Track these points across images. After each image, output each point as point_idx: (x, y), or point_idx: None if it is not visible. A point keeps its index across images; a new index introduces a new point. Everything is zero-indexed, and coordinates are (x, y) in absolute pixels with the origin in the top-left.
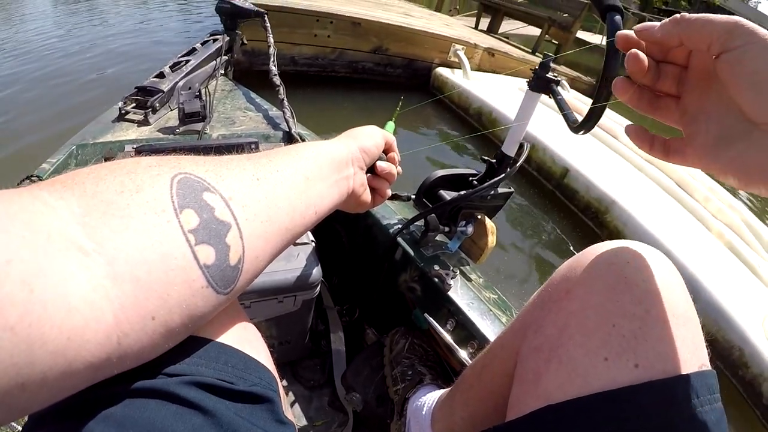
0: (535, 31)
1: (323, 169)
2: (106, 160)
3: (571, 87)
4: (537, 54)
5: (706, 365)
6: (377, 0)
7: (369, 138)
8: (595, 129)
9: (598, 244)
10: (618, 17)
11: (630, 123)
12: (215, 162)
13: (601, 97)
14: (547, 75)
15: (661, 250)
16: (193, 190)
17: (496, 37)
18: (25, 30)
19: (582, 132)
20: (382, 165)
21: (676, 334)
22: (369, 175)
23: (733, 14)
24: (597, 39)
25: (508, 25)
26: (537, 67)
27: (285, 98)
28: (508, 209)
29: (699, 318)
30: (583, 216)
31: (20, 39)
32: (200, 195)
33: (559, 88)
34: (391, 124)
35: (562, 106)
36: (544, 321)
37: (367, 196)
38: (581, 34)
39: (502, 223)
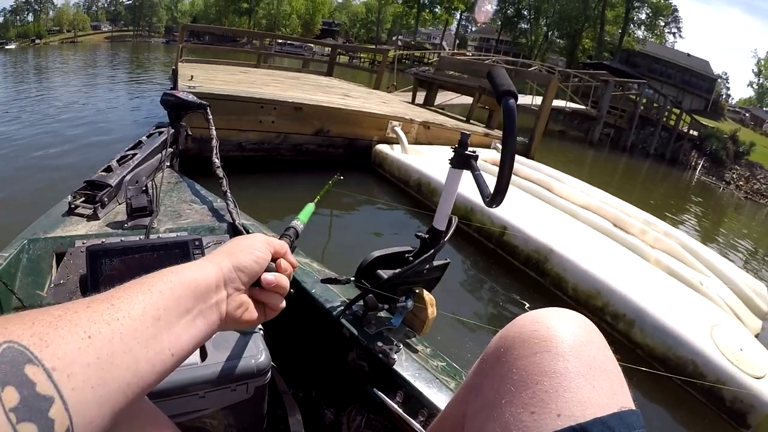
0: (469, 100)
1: (182, 301)
2: (57, 255)
3: None
4: (471, 121)
5: (627, 406)
6: (318, 83)
7: (247, 253)
8: (529, 184)
9: (525, 313)
10: (512, 101)
11: None
12: (45, 321)
13: (503, 174)
14: (466, 152)
15: (601, 287)
16: (15, 364)
17: (432, 110)
18: None
19: (494, 206)
20: (268, 278)
21: (593, 384)
22: (257, 288)
23: (654, 58)
24: (528, 99)
25: (444, 97)
26: (456, 146)
27: (228, 190)
28: (456, 273)
29: (651, 342)
30: (525, 268)
31: None
32: (22, 369)
33: (479, 162)
34: (311, 206)
35: (479, 182)
36: (482, 386)
37: (249, 315)
38: None
39: (453, 287)
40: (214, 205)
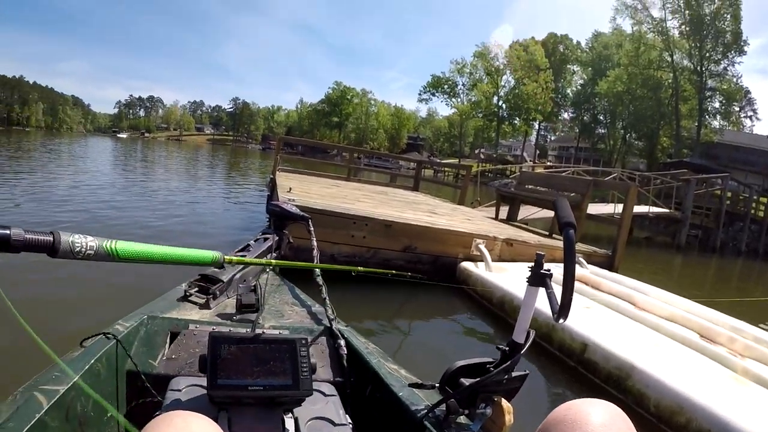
0: (551, 213)
1: None
2: (171, 333)
3: (588, 262)
4: (554, 235)
5: None
6: (405, 198)
7: None
8: (611, 298)
9: (564, 403)
10: (572, 231)
11: None
12: None
13: (566, 293)
14: (541, 271)
15: (685, 403)
16: None
17: (515, 225)
18: (81, 203)
19: (561, 320)
20: None
21: None
22: None
23: (733, 146)
24: (611, 208)
25: (526, 211)
26: (533, 264)
27: (327, 296)
28: (536, 387)
29: None
30: (606, 386)
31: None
32: None
33: (551, 281)
34: (204, 256)
35: (551, 300)
36: None
37: None
38: (594, 208)
39: (532, 399)
40: (312, 309)
